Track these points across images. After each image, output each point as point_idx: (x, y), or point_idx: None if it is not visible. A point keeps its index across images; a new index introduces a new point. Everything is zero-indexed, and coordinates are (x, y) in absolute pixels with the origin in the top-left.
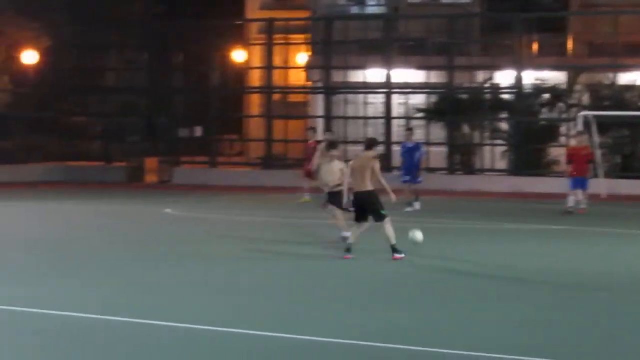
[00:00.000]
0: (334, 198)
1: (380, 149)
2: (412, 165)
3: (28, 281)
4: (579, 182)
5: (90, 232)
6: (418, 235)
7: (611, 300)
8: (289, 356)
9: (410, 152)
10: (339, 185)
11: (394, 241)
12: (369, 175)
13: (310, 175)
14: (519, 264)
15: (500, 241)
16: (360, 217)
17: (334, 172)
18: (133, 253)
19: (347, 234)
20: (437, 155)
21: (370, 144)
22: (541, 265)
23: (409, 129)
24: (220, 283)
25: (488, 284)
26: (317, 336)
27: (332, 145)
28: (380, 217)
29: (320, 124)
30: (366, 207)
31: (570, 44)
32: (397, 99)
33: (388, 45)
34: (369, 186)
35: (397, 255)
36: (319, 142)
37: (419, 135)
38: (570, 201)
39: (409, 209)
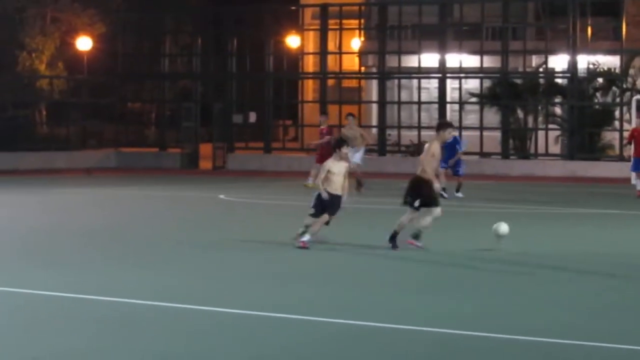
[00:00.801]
0: (330, 202)
1: (449, 132)
2: (451, 157)
3: (83, 267)
4: None
5: (144, 218)
6: (502, 228)
7: None
8: (347, 341)
9: (449, 146)
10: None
11: (399, 229)
12: (424, 161)
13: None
14: (575, 247)
15: (555, 225)
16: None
17: (340, 174)
18: (188, 239)
19: (307, 238)
20: (491, 140)
21: (436, 127)
22: (597, 249)
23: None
24: (275, 269)
25: (543, 268)
26: (376, 322)
27: (341, 142)
28: (405, 203)
29: (373, 108)
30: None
31: (624, 28)
32: (451, 84)
33: (442, 30)
34: (420, 172)
35: (396, 246)
36: (331, 127)
37: (472, 119)
38: (639, 184)
39: (459, 194)
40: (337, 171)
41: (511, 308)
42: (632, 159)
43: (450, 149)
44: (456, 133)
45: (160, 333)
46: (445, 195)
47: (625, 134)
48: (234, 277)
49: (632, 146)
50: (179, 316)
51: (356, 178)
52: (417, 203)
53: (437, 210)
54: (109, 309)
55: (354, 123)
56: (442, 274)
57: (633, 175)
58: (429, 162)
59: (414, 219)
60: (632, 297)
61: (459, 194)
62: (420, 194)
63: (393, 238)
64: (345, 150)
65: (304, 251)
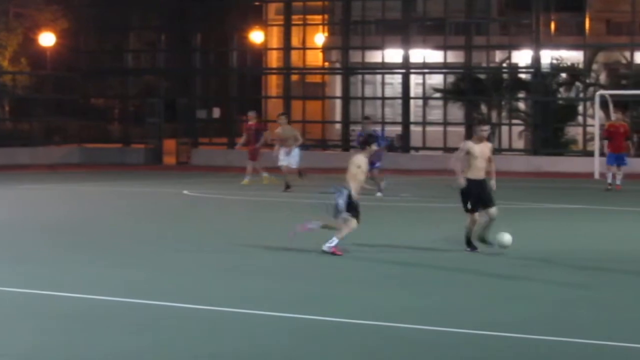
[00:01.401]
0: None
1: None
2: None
3: (47, 263)
4: (617, 158)
5: (108, 214)
6: (505, 238)
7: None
8: (310, 336)
9: None
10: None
11: (472, 234)
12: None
13: (254, 157)
14: (540, 242)
15: (520, 220)
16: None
17: (365, 172)
18: (151, 235)
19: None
20: (455, 135)
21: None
22: (563, 244)
23: (366, 118)
24: (238, 265)
25: (511, 263)
26: (336, 317)
27: (371, 139)
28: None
29: (337, 104)
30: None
31: (588, 23)
32: (414, 79)
33: (406, 25)
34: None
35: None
36: (260, 122)
37: (436, 115)
38: (610, 177)
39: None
40: (365, 170)
41: (478, 303)
42: (607, 153)
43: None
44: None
45: (123, 328)
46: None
47: (589, 129)
48: (197, 272)
49: (608, 141)
50: (143, 311)
51: (286, 179)
52: (468, 205)
53: (493, 210)
54: (72, 305)
55: (286, 122)
56: (408, 270)
57: (616, 168)
58: (469, 160)
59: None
60: (599, 292)
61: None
62: (473, 195)
63: (469, 242)
64: (374, 147)
65: (267, 247)
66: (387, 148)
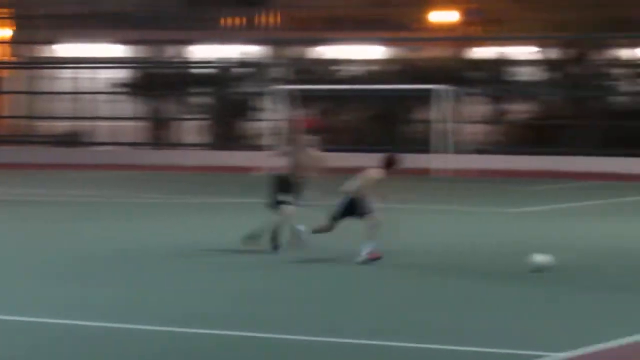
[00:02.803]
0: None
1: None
2: None
3: None
4: None
5: None
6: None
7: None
8: None
9: None
10: None
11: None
12: None
13: None
14: (222, 237)
15: (189, 215)
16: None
17: None
18: None
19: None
20: (135, 130)
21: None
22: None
23: None
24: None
25: (184, 257)
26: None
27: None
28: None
29: (18, 99)
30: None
31: (272, 18)
32: (93, 74)
33: (86, 19)
34: None
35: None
36: None
37: (116, 109)
38: None
39: None
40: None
41: (154, 298)
42: None
43: None
44: None
45: None
46: None
47: (263, 124)
48: None
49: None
50: None
51: None
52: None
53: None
54: None
55: None
56: (79, 266)
57: None
58: None
59: None
60: (330, 287)
61: None
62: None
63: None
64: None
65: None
66: None
